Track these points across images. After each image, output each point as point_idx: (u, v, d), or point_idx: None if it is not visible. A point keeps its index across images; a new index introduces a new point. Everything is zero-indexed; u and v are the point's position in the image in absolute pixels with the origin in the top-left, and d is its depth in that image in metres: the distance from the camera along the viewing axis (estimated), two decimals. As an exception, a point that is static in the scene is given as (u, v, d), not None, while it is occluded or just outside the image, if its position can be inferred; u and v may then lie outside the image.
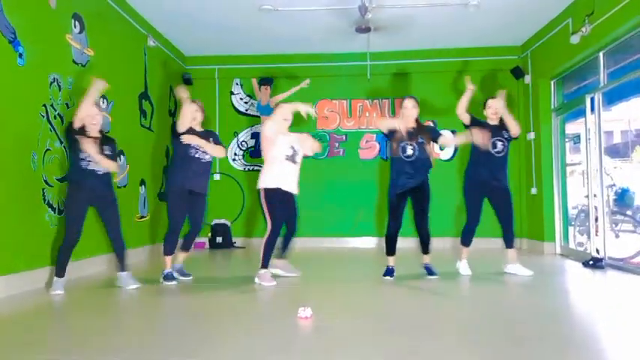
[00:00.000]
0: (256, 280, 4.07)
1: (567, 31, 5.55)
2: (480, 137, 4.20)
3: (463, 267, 4.51)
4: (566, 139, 6.45)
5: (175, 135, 4.17)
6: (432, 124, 7.01)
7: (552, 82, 6.45)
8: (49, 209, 4.09)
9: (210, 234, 7.14)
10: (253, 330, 2.68)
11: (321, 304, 3.20)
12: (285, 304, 3.40)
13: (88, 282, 4.19)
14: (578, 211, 6.51)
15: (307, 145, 4.36)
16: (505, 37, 6.74)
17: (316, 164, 7.35)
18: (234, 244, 7.12)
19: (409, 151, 4.19)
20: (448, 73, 7.18)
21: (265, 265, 4.09)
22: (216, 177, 7.47)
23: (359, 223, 7.19)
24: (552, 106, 6.45)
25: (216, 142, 4.34)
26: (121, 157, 5.35)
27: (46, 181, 4.04)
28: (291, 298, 3.63)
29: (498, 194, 4.46)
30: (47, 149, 4.07)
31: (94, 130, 3.81)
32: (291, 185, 4.20)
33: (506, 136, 4.43)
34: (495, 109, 4.45)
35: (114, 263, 4.16)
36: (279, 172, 4.13)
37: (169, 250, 4.21)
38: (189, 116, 4.15)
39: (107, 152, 3.84)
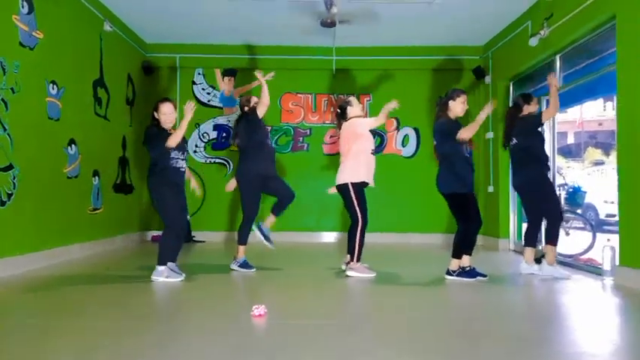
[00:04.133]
0: (351, 273, 4.14)
1: (527, 34, 5.69)
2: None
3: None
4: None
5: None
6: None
7: (511, 83, 6.60)
8: (-9, 200, 3.85)
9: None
10: (207, 329, 2.60)
11: (277, 300, 3.15)
12: (238, 301, 3.33)
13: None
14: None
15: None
16: (468, 37, 6.84)
17: (279, 158, 7.27)
18: (194, 238, 6.96)
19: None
20: (412, 70, 7.24)
21: (359, 258, 4.16)
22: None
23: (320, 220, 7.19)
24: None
25: None
26: (72, 146, 5.11)
27: (-13, 171, 3.80)
28: (245, 294, 3.56)
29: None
30: (-11, 136, 3.83)
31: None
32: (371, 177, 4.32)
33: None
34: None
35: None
36: (367, 166, 4.22)
37: (244, 240, 4.41)
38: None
39: None
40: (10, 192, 4.09)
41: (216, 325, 2.68)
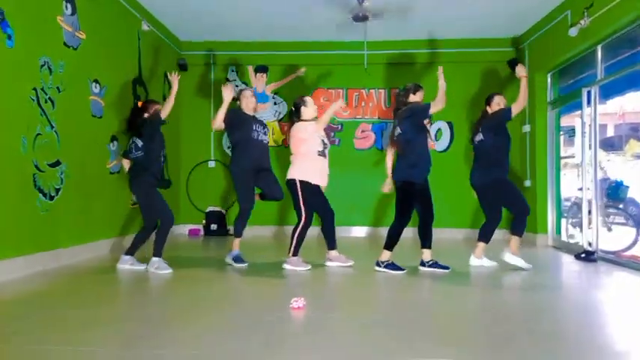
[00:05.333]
0: (287, 266, 4.21)
1: (565, 24, 5.52)
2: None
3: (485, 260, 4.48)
4: (562, 132, 6.45)
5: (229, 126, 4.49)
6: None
7: (549, 75, 6.43)
8: (40, 195, 4.04)
9: (204, 221, 7.13)
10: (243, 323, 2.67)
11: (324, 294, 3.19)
12: (278, 295, 3.39)
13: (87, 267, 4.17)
14: (571, 203, 6.53)
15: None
16: (503, 29, 6.70)
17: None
18: (229, 232, 7.10)
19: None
20: (445, 64, 7.11)
21: (295, 253, 4.24)
22: (211, 164, 7.43)
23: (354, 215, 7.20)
24: (548, 99, 6.44)
25: None
26: (114, 143, 5.29)
27: (36, 166, 3.98)
28: (285, 289, 3.62)
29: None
30: (38, 134, 4.01)
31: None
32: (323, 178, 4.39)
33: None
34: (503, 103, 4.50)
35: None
36: (315, 168, 4.29)
37: (238, 232, 4.50)
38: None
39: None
40: (58, 187, 4.28)
41: (257, 318, 2.74)
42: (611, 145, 8.96)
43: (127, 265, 4.17)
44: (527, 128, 6.64)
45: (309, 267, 4.21)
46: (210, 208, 7.22)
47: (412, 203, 4.15)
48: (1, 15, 3.59)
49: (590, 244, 5.16)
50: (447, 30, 6.77)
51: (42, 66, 4.07)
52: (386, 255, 4.14)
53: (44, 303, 3.00)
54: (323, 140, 4.36)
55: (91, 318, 2.65)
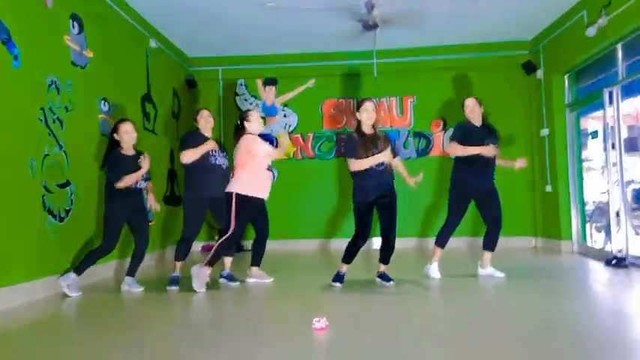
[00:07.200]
0: (193, 273, 3.94)
1: (582, 24, 5.36)
2: (489, 151, 4.17)
3: (433, 270, 4.33)
4: (583, 134, 6.25)
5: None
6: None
7: (566, 77, 6.26)
8: (50, 216, 3.94)
9: (217, 238, 6.99)
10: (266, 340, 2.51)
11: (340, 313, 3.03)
12: (298, 312, 3.23)
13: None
14: (594, 207, 6.31)
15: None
16: (515, 32, 6.55)
17: (322, 165, 7.19)
18: (243, 248, 6.96)
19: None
20: (456, 69, 7.01)
21: (209, 263, 3.95)
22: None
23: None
24: (566, 101, 6.26)
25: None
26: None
27: (45, 188, 3.89)
28: (302, 305, 3.46)
29: (491, 195, 4.28)
30: (46, 154, 3.92)
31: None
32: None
33: (493, 139, 4.25)
34: (472, 107, 4.26)
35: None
36: (259, 181, 4.03)
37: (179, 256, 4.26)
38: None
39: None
40: (67, 208, 4.18)
41: (276, 337, 2.58)
42: (634, 146, 8.70)
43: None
44: (545, 132, 6.45)
45: (207, 281, 3.95)
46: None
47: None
48: (7, 35, 3.53)
49: (620, 250, 4.93)
50: (457, 36, 6.64)
51: (49, 85, 4.01)
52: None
53: (70, 327, 2.87)
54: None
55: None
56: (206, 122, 4.28)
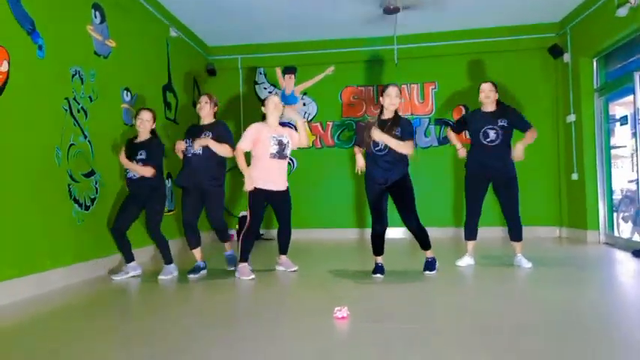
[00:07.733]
0: (237, 274, 3.99)
1: (611, 5, 5.16)
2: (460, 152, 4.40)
3: (462, 261, 4.33)
4: (610, 120, 6.05)
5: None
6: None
7: (594, 61, 6.05)
8: (76, 205, 4.02)
9: (237, 226, 7.06)
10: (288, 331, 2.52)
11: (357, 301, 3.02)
12: (318, 301, 3.24)
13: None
14: (622, 196, 6.13)
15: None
16: (541, 14, 6.35)
17: (342, 153, 7.15)
18: (262, 236, 7.01)
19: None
20: (479, 55, 6.85)
21: (242, 259, 4.01)
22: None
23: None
24: (595, 86, 6.06)
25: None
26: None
27: (71, 177, 3.97)
28: (323, 294, 3.47)
29: (500, 184, 4.19)
30: (71, 144, 3.99)
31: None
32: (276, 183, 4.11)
33: (501, 124, 4.13)
34: (487, 92, 4.19)
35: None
36: (264, 171, 4.03)
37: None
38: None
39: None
40: (93, 197, 4.26)
41: (299, 326, 2.59)
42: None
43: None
44: (571, 118, 6.27)
45: (253, 277, 3.94)
46: (242, 213, 7.13)
47: None
48: (31, 25, 3.58)
49: (648, 240, 4.79)
50: (481, 19, 6.47)
51: (73, 75, 4.06)
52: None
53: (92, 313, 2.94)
54: (281, 140, 4.07)
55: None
56: (201, 109, 4.24)
